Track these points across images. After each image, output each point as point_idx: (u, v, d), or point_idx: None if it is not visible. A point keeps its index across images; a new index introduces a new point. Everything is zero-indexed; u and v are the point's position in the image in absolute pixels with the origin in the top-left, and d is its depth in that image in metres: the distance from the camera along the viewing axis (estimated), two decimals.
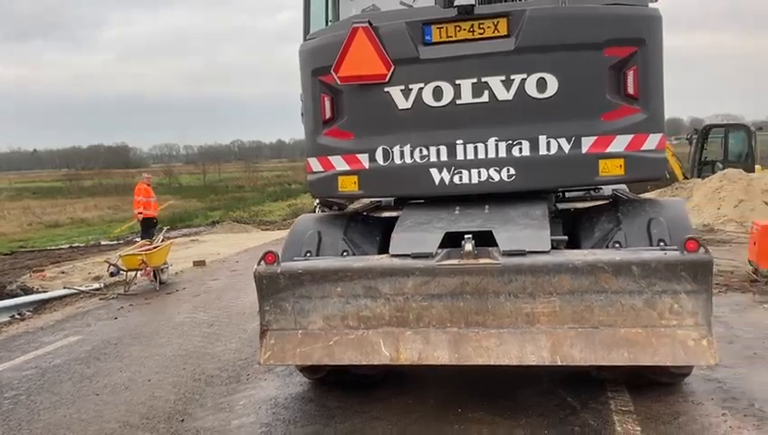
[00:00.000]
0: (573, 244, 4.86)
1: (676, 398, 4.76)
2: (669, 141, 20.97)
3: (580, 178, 4.81)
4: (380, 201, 6.16)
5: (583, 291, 4.17)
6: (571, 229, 5.08)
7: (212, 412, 5.11)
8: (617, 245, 4.64)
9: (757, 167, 17.45)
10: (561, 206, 5.56)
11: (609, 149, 4.74)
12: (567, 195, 6.92)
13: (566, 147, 4.72)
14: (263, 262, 4.57)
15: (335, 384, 5.34)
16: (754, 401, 4.62)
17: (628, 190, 7.28)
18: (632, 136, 4.76)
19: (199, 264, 13.57)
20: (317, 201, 6.29)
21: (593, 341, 4.13)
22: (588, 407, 4.68)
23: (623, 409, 4.61)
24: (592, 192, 7.18)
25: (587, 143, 4.72)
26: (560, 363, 4.13)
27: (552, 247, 4.40)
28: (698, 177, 18.14)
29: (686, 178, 18.35)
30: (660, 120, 4.89)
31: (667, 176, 18.83)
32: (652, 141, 4.82)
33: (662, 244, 4.55)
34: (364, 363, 4.44)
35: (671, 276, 4.06)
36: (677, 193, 16.87)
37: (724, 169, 17.08)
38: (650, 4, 5.03)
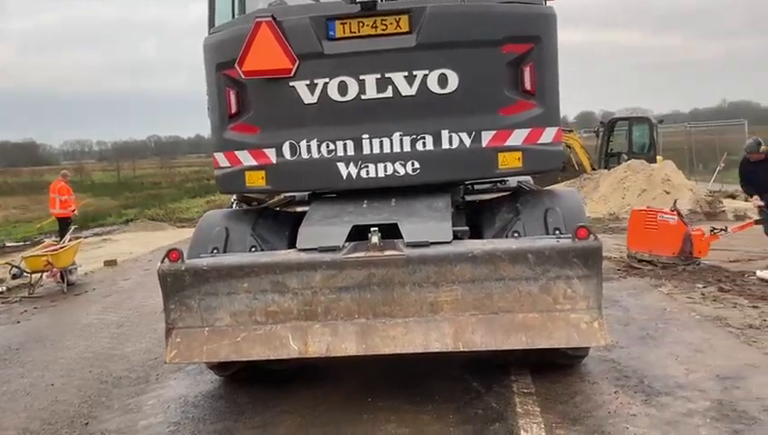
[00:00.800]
0: (477, 234, 5.03)
1: (574, 378, 5.01)
2: (579, 134, 21.85)
3: (481, 171, 4.98)
4: (294, 196, 6.17)
5: (483, 279, 4.32)
6: (475, 220, 5.25)
7: (118, 414, 5.00)
8: (516, 234, 4.83)
9: (659, 157, 18.41)
10: (469, 198, 5.73)
11: (507, 143, 4.93)
12: (476, 187, 7.14)
13: (467, 141, 4.87)
14: (166, 259, 4.51)
15: (246, 380, 5.32)
16: (644, 379, 4.92)
17: (531, 182, 7.58)
18: (529, 130, 4.96)
19: (111, 263, 13.14)
20: (234, 197, 6.22)
21: (493, 326, 4.30)
22: (491, 390, 4.87)
23: (524, 391, 4.82)
24: (499, 184, 7.45)
25: (487, 137, 4.88)
26: (462, 349, 4.28)
27: (455, 238, 4.55)
28: (605, 168, 18.96)
29: (593, 169, 19.14)
30: (556, 115, 5.13)
31: (576, 167, 19.65)
32: (548, 135, 5.04)
33: (557, 232, 4.76)
34: (272, 358, 4.45)
35: (564, 263, 4.27)
36: (585, 184, 17.59)
37: (628, 160, 17.94)
38: (546, 3, 5.27)
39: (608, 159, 19.53)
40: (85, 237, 16.27)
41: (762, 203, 8.97)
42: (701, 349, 5.50)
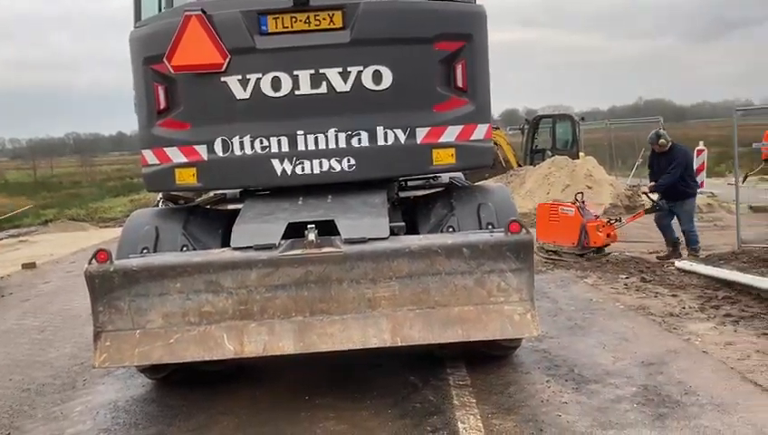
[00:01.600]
0: (413, 230, 5.07)
1: (508, 369, 5.13)
2: (505, 131, 22.35)
3: (416, 167, 5.03)
4: (225, 193, 6.05)
5: (420, 274, 4.37)
6: (411, 216, 5.29)
7: (42, 423, 4.78)
8: (450, 229, 4.90)
9: (581, 154, 19.03)
10: (403, 194, 5.76)
11: (441, 139, 4.99)
12: (409, 183, 7.19)
13: (402, 137, 4.90)
14: (94, 261, 4.34)
15: (180, 383, 5.19)
16: (574, 367, 5.09)
17: (463, 178, 7.70)
18: (462, 126, 5.05)
19: (29, 266, 12.53)
20: (160, 195, 6.03)
21: (430, 320, 4.35)
22: (429, 384, 4.92)
23: (460, 383, 4.90)
24: (432, 180, 7.54)
25: (421, 134, 4.93)
26: (400, 344, 4.31)
27: (392, 234, 4.57)
28: (531, 164, 19.44)
29: (520, 165, 19.59)
30: (487, 112, 5.23)
31: (503, 164, 20.08)
32: (480, 131, 5.13)
33: (490, 226, 4.86)
34: (207, 359, 4.36)
35: (498, 256, 4.37)
36: (512, 180, 18.00)
37: (553, 156, 18.47)
38: (476, 2, 5.36)
39: (533, 155, 20.04)
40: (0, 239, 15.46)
41: (646, 189, 9.81)
42: (626, 337, 5.73)
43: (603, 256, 9.32)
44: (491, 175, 19.19)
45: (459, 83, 5.05)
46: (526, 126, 19.84)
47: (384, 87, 4.84)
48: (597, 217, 10.16)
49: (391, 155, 4.89)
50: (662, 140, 9.45)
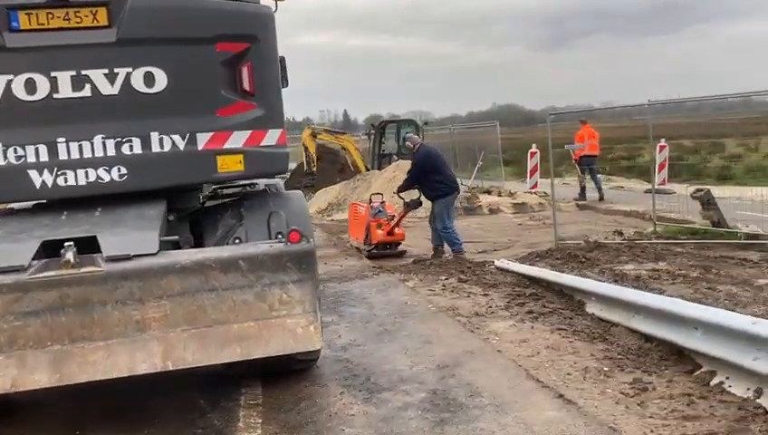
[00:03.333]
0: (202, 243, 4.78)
1: (306, 383, 4.95)
2: (358, 136, 22.51)
3: (198, 176, 4.73)
4: None
5: (194, 291, 4.09)
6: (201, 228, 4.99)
7: None
8: (237, 240, 4.66)
9: None
10: (212, 203, 5.45)
11: (226, 145, 4.74)
12: (225, 191, 6.85)
13: (181, 144, 4.59)
14: None
15: None
16: (371, 376, 5.00)
17: (281, 184, 7.47)
18: (250, 132, 4.82)
19: None
20: None
21: (206, 340, 4.08)
22: (218, 406, 4.64)
23: (251, 402, 4.66)
24: (248, 187, 7.24)
25: (203, 139, 4.65)
26: (172, 368, 4.00)
27: (165, 249, 4.24)
28: (378, 168, 19.69)
29: (368, 169, 19.77)
30: (278, 116, 5.03)
31: (352, 168, 20.19)
32: (271, 137, 4.93)
33: (280, 236, 4.67)
34: None
35: (278, 268, 4.18)
36: (359, 184, 18.08)
37: (398, 160, 18.78)
38: (261, 2, 5.15)
39: (380, 159, 20.29)
40: None
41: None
42: (430, 340, 5.76)
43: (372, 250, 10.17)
44: (341, 179, 19.25)
45: (246, 87, 4.82)
46: (372, 131, 20.05)
47: (158, 90, 4.50)
48: (392, 217, 10.65)
49: (169, 163, 4.56)
50: (408, 144, 10.23)
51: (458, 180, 20.42)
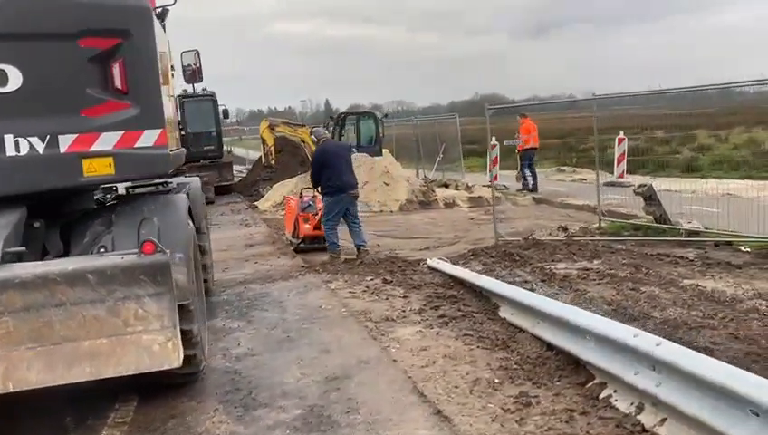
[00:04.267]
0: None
1: (183, 399, 4.70)
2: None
3: (61, 181, 4.43)
4: None
5: (39, 306, 3.80)
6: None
7: None
8: (103, 249, 4.39)
9: (385, 150, 19.24)
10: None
11: (94, 148, 4.46)
12: (137, 190, 6.56)
13: (40, 147, 4.31)
14: None
15: None
16: (254, 390, 4.76)
17: (197, 184, 7.18)
18: (122, 132, 4.55)
19: None
20: None
21: (53, 359, 3.80)
22: (83, 425, 4.38)
23: (119, 421, 4.40)
24: (161, 186, 6.93)
25: (66, 142, 4.37)
26: (12, 389, 3.73)
27: (5, 261, 3.93)
28: None
29: None
30: (158, 115, 4.75)
31: (310, 161, 19.84)
32: (149, 137, 4.67)
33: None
34: None
35: (131, 281, 3.91)
36: None
37: (357, 152, 18.48)
38: None
39: None
40: None
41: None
42: (329, 348, 5.52)
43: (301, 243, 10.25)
44: (303, 172, 18.93)
45: (118, 85, 4.55)
46: (331, 124, 19.72)
47: (12, 89, 4.22)
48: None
49: (26, 167, 4.28)
50: (313, 137, 10.50)
51: (414, 173, 20.43)
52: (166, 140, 4.80)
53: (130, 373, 3.93)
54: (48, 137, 4.32)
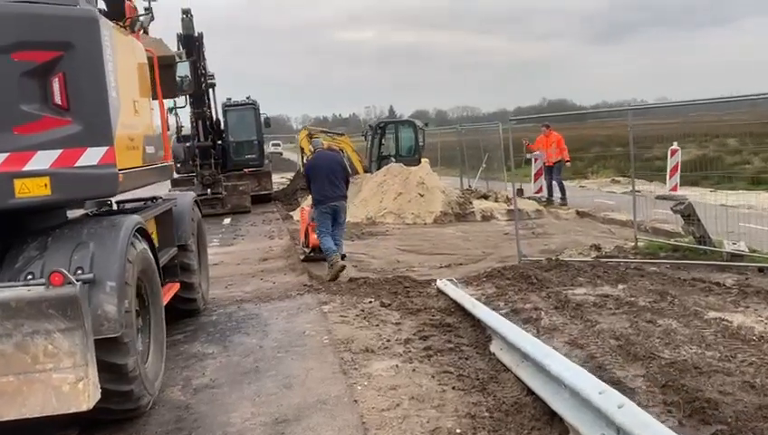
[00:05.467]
0: None
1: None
2: (352, 138, 21.86)
3: None
4: None
5: None
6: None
7: None
8: (30, 276, 4.10)
9: (424, 160, 18.73)
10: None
11: (27, 167, 4.20)
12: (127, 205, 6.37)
13: None
14: None
15: None
16: (195, 430, 4.39)
17: (188, 199, 6.91)
18: (61, 150, 4.28)
19: None
20: None
21: None
22: None
23: None
24: (151, 202, 6.71)
25: None
26: None
27: None
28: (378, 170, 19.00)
29: (366, 171, 19.11)
30: (103, 132, 4.46)
31: (350, 171, 19.52)
32: (93, 156, 4.39)
33: (80, 272, 4.10)
34: None
35: (38, 315, 3.61)
36: (350, 188, 17.44)
37: (396, 162, 18.05)
38: (83, 6, 4.57)
39: (380, 161, 19.58)
40: None
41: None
42: (292, 383, 5.10)
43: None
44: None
45: (57, 100, 4.29)
46: (369, 133, 19.38)
47: None
48: None
49: None
50: (310, 147, 10.35)
51: (465, 182, 19.80)
52: (113, 159, 4.50)
53: (35, 416, 3.63)
54: None
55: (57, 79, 4.28)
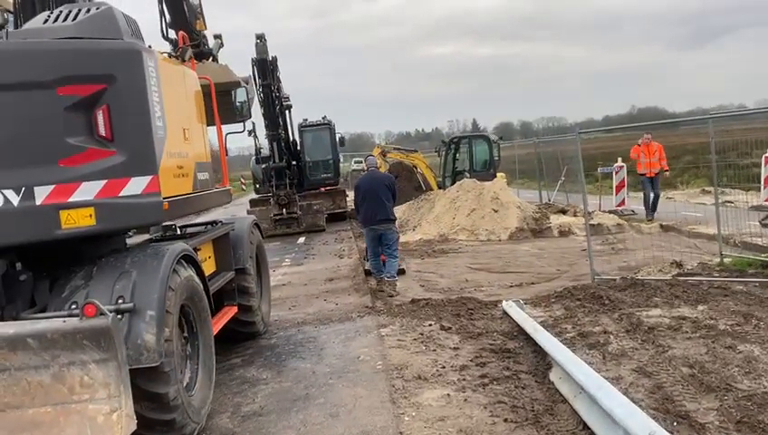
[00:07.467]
0: None
1: None
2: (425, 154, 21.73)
3: (36, 234, 4.28)
4: None
5: None
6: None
7: None
8: (74, 305, 4.18)
9: (500, 174, 18.34)
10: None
11: (72, 199, 4.30)
12: (189, 230, 6.48)
13: (15, 199, 4.21)
14: None
15: None
16: None
17: (245, 222, 6.98)
18: (105, 181, 4.36)
19: None
20: None
21: None
22: None
23: None
24: (210, 226, 6.82)
25: (42, 193, 4.24)
26: None
27: None
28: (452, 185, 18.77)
29: (439, 187, 18.93)
30: (147, 161, 4.53)
31: (424, 187, 19.41)
32: (136, 185, 4.46)
33: (120, 302, 4.15)
34: None
35: (74, 346, 3.64)
36: (423, 204, 17.31)
37: (471, 177, 17.76)
38: (127, 38, 4.68)
39: (454, 177, 19.36)
40: None
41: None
42: (339, 412, 4.96)
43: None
44: (415, 196, 18.58)
45: (102, 132, 4.38)
46: (443, 148, 19.19)
47: None
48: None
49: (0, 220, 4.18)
50: (363, 165, 10.50)
51: (545, 196, 19.20)
52: (157, 187, 4.55)
53: None
54: (23, 189, 4.21)
55: (101, 111, 4.37)
